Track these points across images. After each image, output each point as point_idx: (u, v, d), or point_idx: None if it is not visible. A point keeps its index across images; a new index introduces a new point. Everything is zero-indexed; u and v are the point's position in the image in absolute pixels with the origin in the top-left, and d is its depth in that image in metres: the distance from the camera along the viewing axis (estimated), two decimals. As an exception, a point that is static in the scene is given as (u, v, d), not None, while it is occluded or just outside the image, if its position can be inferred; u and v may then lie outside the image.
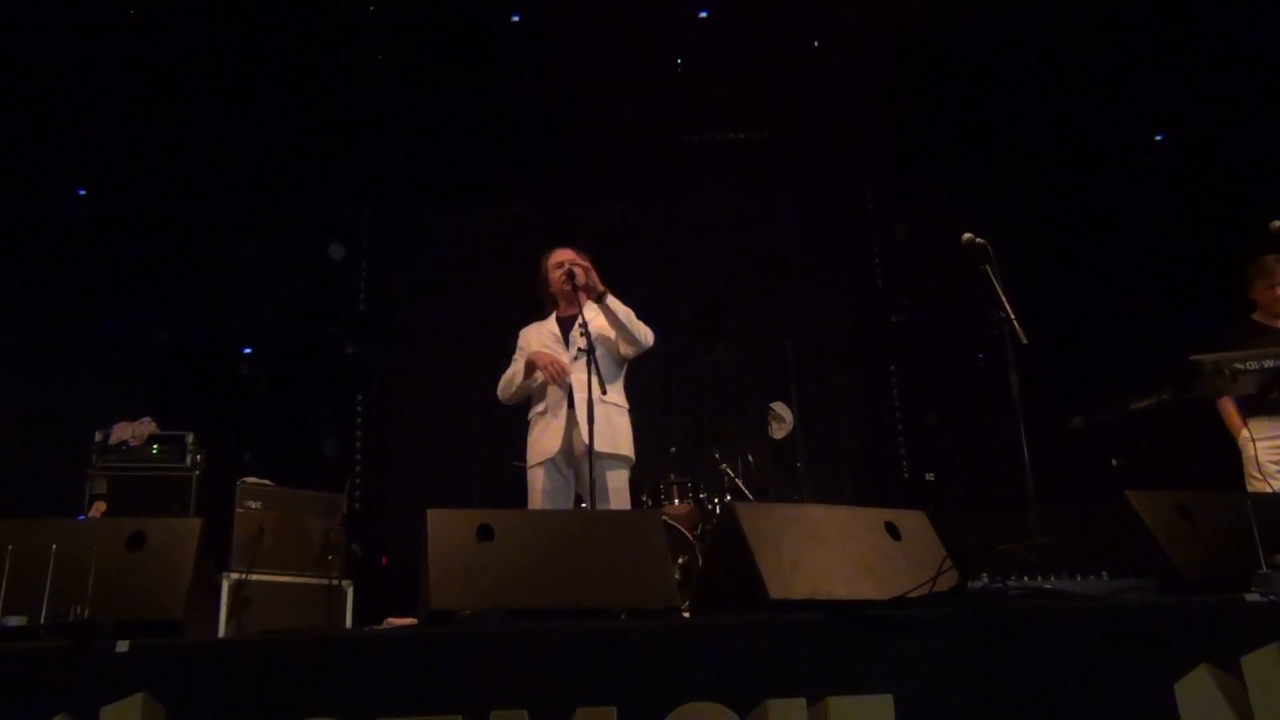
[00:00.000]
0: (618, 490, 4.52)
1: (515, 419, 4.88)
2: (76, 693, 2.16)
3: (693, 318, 8.34)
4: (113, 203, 8.03)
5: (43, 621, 2.46)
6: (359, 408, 8.19)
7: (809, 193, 8.84)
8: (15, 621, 2.44)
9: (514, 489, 5.19)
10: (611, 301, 4.59)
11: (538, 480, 4.55)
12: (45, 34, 6.79)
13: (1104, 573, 2.84)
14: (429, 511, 2.79)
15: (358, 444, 8.10)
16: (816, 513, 2.93)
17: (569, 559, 2.77)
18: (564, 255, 4.73)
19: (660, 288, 8.12)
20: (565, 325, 4.71)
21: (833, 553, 2.77)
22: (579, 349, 4.47)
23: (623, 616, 2.63)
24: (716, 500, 6.06)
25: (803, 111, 8.34)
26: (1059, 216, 8.05)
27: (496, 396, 4.83)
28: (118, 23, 6.89)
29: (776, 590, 2.59)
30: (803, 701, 2.24)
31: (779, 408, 6.65)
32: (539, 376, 4.57)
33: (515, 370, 4.69)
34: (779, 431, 6.64)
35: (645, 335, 4.66)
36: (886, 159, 8.42)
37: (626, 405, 4.72)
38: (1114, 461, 6.48)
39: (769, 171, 8.75)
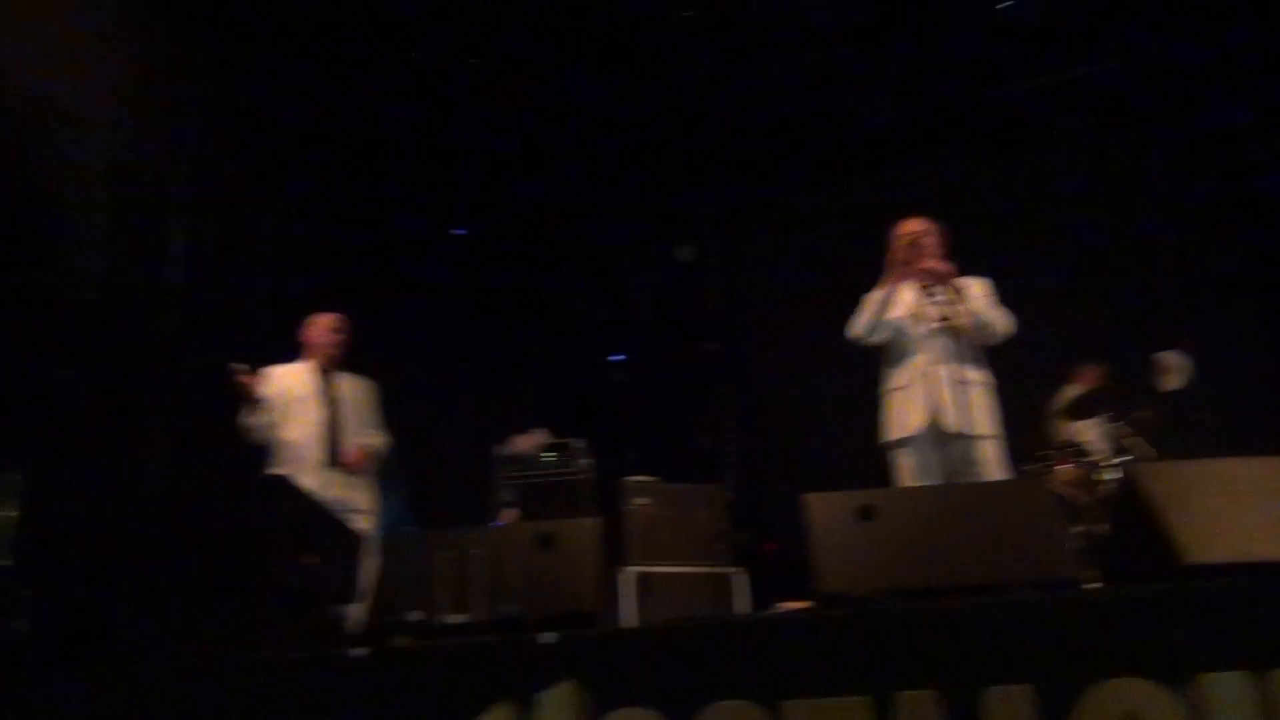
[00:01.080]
0: (987, 462, 4.20)
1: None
2: (514, 681, 2.37)
3: (1063, 271, 7.75)
4: (487, 235, 8.90)
5: (479, 617, 2.75)
6: (727, 400, 8.45)
7: (1170, 116, 7.94)
8: (458, 619, 2.76)
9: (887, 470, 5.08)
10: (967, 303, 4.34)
11: (903, 458, 4.35)
12: (429, 110, 7.62)
13: None
14: (807, 496, 2.81)
15: (729, 435, 8.35)
16: (1234, 467, 2.64)
17: (955, 534, 2.69)
18: (912, 226, 4.52)
19: (1022, 242, 7.66)
20: (922, 292, 4.45)
21: (1259, 510, 2.49)
22: (941, 317, 4.29)
23: (1021, 590, 2.51)
24: (1109, 463, 5.61)
25: (1149, 34, 7.52)
26: None
27: (854, 340, 4.54)
28: (476, 88, 7.54)
29: (1194, 554, 2.38)
30: (1244, 674, 2.04)
31: (1169, 357, 6.06)
32: (904, 291, 4.42)
33: (872, 299, 4.46)
34: (1171, 382, 6.04)
35: (1005, 327, 4.36)
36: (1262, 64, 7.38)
37: (990, 381, 4.40)
38: None
39: (1121, 104, 7.97)
